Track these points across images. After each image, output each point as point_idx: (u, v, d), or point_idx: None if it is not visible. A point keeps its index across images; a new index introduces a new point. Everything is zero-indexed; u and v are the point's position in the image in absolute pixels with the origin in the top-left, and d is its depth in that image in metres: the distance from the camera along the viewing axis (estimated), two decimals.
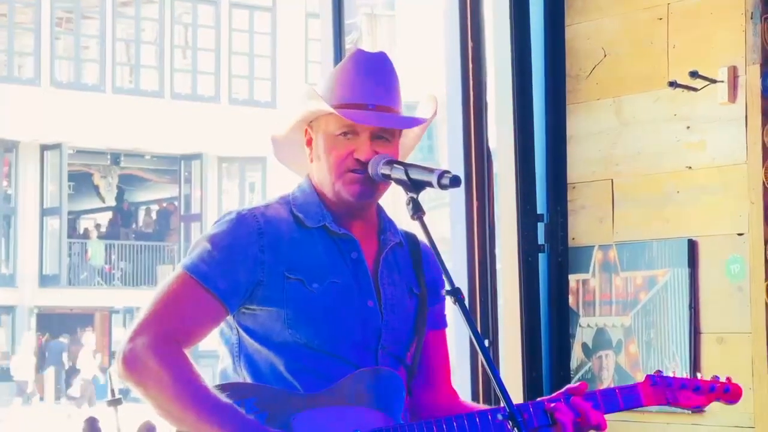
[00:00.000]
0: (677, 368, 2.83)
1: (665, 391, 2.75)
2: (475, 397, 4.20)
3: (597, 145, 4.30)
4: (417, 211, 2.53)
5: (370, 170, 2.60)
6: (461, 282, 4.29)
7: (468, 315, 2.46)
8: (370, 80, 2.65)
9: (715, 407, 2.89)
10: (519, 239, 4.26)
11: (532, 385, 4.19)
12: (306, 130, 2.70)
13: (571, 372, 4.29)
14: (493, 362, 2.64)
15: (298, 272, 2.58)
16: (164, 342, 2.46)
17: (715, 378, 2.79)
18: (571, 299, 4.32)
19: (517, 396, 4.06)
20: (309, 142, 2.69)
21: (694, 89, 3.99)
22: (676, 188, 4.08)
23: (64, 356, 24.54)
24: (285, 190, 2.75)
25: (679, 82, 4.00)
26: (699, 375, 2.83)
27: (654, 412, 3.91)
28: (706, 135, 4.01)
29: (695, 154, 4.04)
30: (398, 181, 2.57)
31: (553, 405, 2.60)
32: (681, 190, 4.07)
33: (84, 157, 26.93)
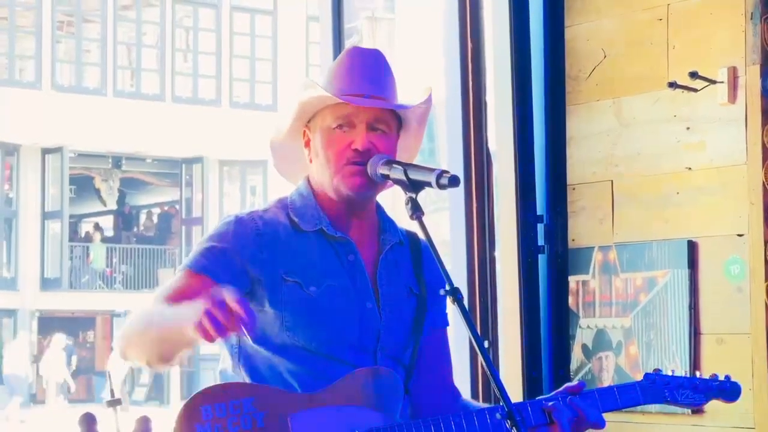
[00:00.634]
0: (677, 369, 2.82)
1: (663, 389, 2.75)
2: (474, 396, 4.20)
3: (597, 146, 4.30)
4: (416, 211, 2.53)
5: (369, 170, 2.60)
6: (461, 283, 4.28)
7: (467, 315, 2.46)
8: (366, 73, 2.67)
9: (716, 408, 2.89)
10: (519, 240, 4.26)
11: (531, 387, 4.19)
12: (304, 132, 2.71)
13: (571, 373, 4.29)
14: (491, 362, 2.64)
15: (295, 275, 2.60)
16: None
17: (714, 376, 2.79)
18: (570, 300, 4.32)
19: (517, 397, 4.06)
20: (307, 143, 2.70)
21: (694, 90, 3.99)
22: (676, 189, 4.07)
23: (73, 359, 24.51)
24: (285, 193, 2.76)
25: (678, 82, 3.99)
26: (698, 374, 2.83)
27: (654, 413, 3.92)
28: (706, 136, 4.01)
29: (695, 154, 4.04)
30: (397, 181, 2.57)
31: (550, 404, 2.61)
32: (681, 191, 4.07)
33: (85, 161, 26.95)
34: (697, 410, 3.89)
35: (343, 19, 4.72)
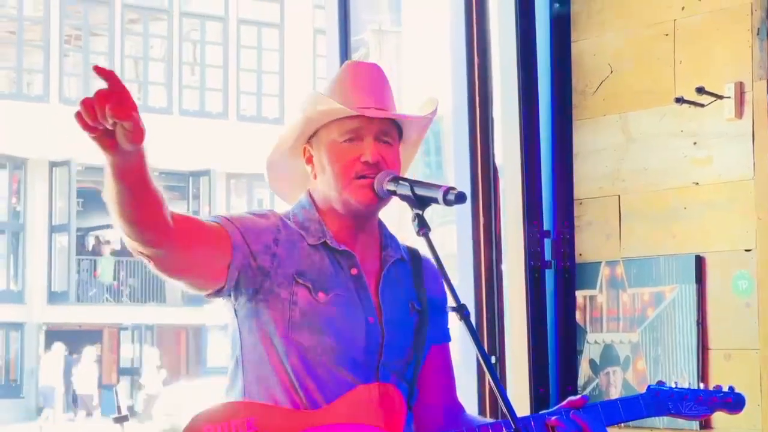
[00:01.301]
0: (685, 384, 2.82)
1: (666, 401, 2.74)
2: (482, 413, 4.19)
3: (604, 160, 4.29)
4: (422, 227, 2.52)
5: (375, 186, 2.60)
6: (468, 298, 4.28)
7: (474, 332, 2.46)
8: (370, 86, 2.67)
9: (723, 424, 2.88)
10: (526, 255, 4.26)
11: (539, 402, 4.18)
12: (305, 149, 2.70)
13: (579, 388, 4.28)
14: (498, 379, 2.63)
15: (306, 278, 2.59)
16: None
17: (718, 387, 2.79)
18: (578, 315, 4.31)
19: (524, 413, 4.05)
20: (309, 160, 2.69)
21: (701, 105, 3.98)
22: (683, 204, 4.07)
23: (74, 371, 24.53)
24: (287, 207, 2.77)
25: (685, 98, 3.99)
26: (701, 385, 2.82)
27: (661, 428, 3.91)
28: (712, 151, 4.01)
29: (702, 169, 4.04)
30: (404, 198, 2.57)
31: (554, 418, 2.61)
32: (688, 206, 4.06)
33: (93, 174, 26.88)
34: (705, 425, 3.88)
35: (349, 32, 4.72)
